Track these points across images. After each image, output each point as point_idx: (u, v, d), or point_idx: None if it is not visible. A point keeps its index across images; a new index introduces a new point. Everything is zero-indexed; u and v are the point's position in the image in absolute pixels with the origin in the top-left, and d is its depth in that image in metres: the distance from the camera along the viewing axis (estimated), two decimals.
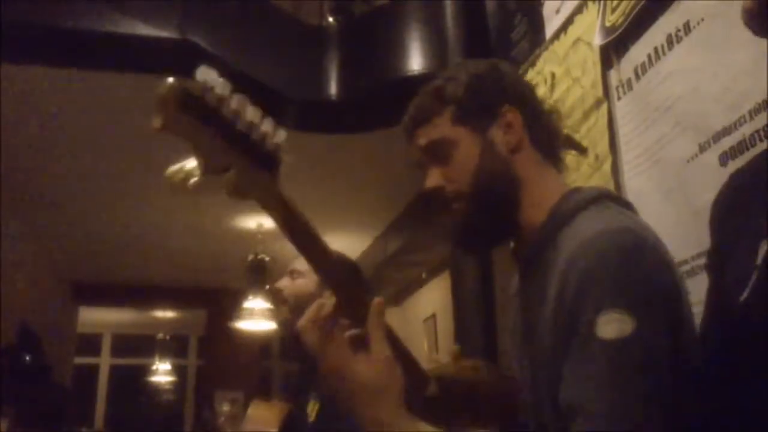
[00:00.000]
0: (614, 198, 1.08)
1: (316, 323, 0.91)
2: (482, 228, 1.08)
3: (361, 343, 0.90)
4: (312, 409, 1.91)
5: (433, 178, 1.08)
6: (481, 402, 1.13)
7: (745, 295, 0.73)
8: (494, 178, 1.06)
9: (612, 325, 0.84)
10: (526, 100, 1.13)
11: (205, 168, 0.65)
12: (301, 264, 2.06)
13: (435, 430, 0.89)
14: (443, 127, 1.08)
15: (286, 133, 0.70)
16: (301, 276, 2.04)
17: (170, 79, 0.61)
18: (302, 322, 0.91)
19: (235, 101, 0.65)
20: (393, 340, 0.93)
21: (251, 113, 0.66)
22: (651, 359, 0.84)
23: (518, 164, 1.07)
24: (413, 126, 1.11)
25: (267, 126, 0.68)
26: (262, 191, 0.72)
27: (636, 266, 0.89)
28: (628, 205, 1.08)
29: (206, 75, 0.63)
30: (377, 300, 0.92)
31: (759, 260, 0.73)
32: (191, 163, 0.66)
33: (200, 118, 0.63)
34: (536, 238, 1.05)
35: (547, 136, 1.13)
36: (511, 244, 1.13)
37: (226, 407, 7.09)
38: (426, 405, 0.96)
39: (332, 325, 0.91)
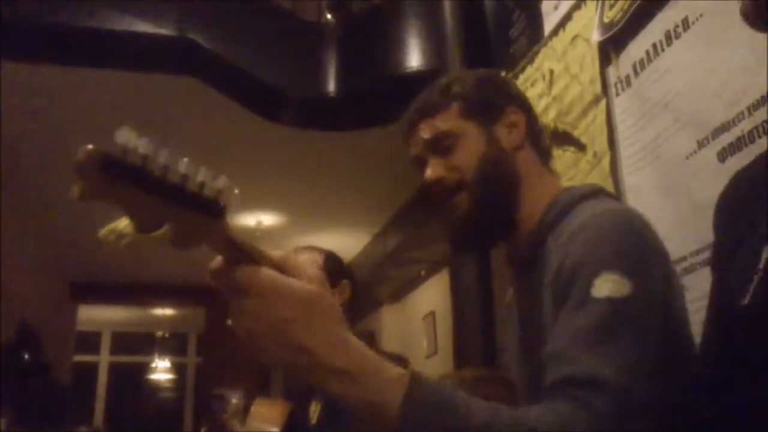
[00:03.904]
0: (608, 194, 1.12)
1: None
2: (482, 220, 1.08)
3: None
4: (314, 410, 1.89)
5: (435, 170, 1.09)
6: None
7: (746, 299, 0.73)
8: (497, 168, 1.08)
9: (608, 285, 0.86)
10: (527, 106, 1.18)
11: (138, 228, 0.64)
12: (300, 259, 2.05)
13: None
14: (450, 120, 1.10)
15: (226, 177, 0.68)
16: None
17: (88, 146, 0.61)
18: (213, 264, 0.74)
19: (164, 156, 0.64)
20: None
21: (184, 165, 0.65)
22: (643, 323, 0.85)
23: (520, 161, 1.11)
24: (418, 118, 1.12)
25: (203, 174, 0.67)
26: (208, 238, 0.71)
27: (635, 238, 0.92)
28: (620, 201, 1.14)
29: (125, 137, 0.62)
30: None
31: (761, 265, 0.73)
32: (123, 223, 0.65)
33: (125, 180, 0.62)
34: (533, 234, 1.06)
35: (543, 143, 1.19)
36: (507, 250, 1.14)
37: (235, 400, 7.09)
38: None
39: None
